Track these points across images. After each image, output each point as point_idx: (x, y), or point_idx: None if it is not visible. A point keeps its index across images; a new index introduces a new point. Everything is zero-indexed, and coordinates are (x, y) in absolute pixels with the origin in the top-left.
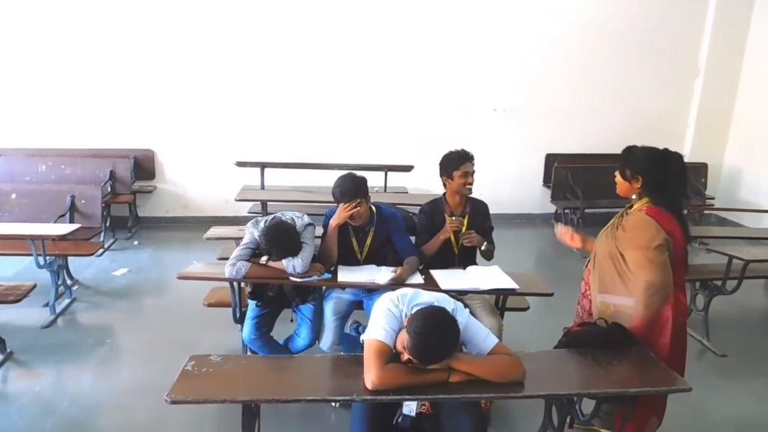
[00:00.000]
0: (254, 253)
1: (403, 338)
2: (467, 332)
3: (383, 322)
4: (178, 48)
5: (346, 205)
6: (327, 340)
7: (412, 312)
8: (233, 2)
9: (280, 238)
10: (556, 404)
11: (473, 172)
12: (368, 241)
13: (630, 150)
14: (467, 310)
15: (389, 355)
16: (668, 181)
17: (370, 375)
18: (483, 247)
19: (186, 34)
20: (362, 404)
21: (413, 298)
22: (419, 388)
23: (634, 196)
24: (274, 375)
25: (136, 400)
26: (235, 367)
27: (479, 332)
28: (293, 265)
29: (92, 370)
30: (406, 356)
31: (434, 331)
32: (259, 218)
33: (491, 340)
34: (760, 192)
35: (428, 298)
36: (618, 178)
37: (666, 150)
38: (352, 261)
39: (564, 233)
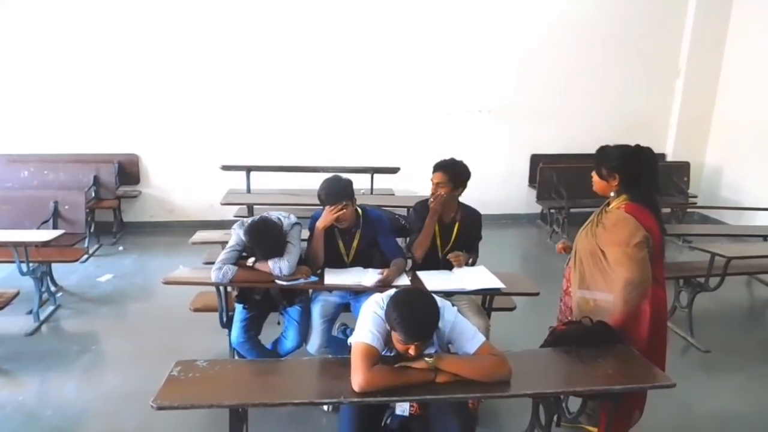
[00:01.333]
0: (241, 256)
1: (395, 336)
2: (454, 331)
3: (369, 325)
4: (162, 51)
5: (332, 207)
6: (314, 342)
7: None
8: (216, 7)
9: (265, 237)
10: (543, 403)
11: (438, 183)
12: (355, 244)
13: (604, 149)
14: (455, 308)
15: (376, 358)
16: (642, 176)
17: (357, 377)
18: (470, 263)
19: (170, 38)
20: (350, 406)
21: None
22: (406, 389)
23: (612, 194)
24: (261, 379)
25: (122, 407)
26: (221, 371)
27: (466, 331)
28: (279, 267)
29: (77, 378)
30: (412, 349)
31: (413, 310)
32: (245, 220)
33: (478, 339)
34: (741, 189)
35: None
36: (595, 177)
37: (638, 146)
38: (338, 263)
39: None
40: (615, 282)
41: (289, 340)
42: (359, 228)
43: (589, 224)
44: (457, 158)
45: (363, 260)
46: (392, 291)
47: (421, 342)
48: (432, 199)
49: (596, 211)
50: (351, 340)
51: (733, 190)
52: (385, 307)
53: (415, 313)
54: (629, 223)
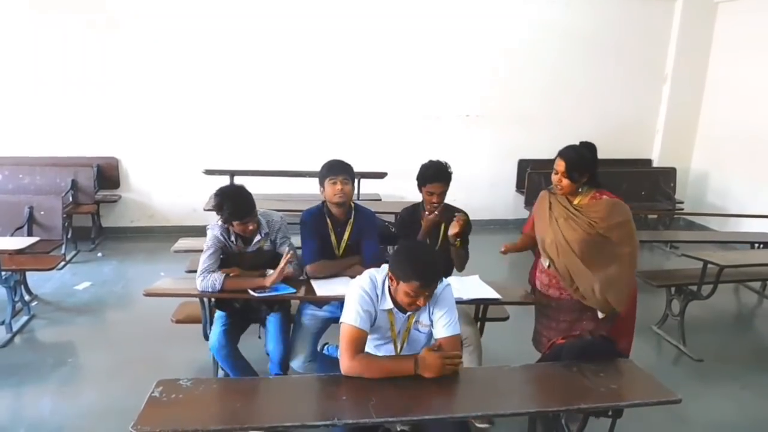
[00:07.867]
0: (220, 258)
1: (404, 288)
2: (442, 301)
3: (356, 305)
4: (141, 52)
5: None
6: (299, 356)
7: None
8: (199, 8)
9: (236, 191)
10: (539, 419)
11: (440, 192)
12: (345, 236)
13: (569, 155)
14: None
15: (363, 341)
16: (596, 167)
17: (343, 362)
18: (457, 236)
19: (150, 37)
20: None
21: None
22: (405, 408)
23: (580, 189)
24: (249, 399)
25: (100, 424)
26: (206, 391)
27: (448, 315)
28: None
29: (52, 393)
30: (421, 301)
31: (423, 256)
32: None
33: (453, 329)
34: (727, 195)
35: None
36: (565, 181)
37: (586, 142)
38: (330, 255)
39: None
40: (622, 255)
41: (273, 352)
42: (351, 218)
43: (563, 219)
44: (443, 160)
45: (353, 255)
46: (373, 271)
47: (431, 289)
48: (428, 212)
49: (554, 205)
50: (341, 319)
51: (719, 196)
52: (379, 284)
53: (425, 258)
54: (621, 204)
